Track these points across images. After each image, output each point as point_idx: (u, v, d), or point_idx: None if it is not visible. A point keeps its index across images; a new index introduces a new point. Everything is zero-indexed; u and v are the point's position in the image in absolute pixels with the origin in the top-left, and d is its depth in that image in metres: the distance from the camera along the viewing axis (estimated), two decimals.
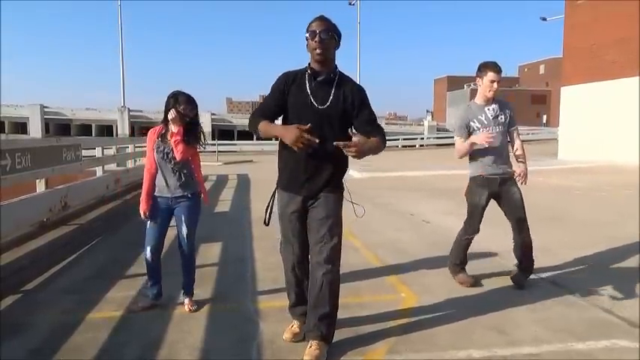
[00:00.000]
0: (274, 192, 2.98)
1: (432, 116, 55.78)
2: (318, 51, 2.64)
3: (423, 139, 37.74)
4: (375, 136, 2.75)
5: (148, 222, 3.58)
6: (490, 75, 3.77)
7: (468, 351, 2.85)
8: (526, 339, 3.02)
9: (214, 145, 26.35)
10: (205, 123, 39.29)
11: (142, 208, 3.54)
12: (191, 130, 3.52)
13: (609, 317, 3.35)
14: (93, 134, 39.80)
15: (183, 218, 3.57)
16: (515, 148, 3.98)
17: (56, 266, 4.76)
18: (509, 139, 3.96)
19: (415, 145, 35.92)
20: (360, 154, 2.60)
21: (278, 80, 2.81)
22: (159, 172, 3.54)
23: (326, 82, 2.72)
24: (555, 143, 21.24)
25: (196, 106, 3.54)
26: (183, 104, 3.42)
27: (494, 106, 3.86)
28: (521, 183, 3.86)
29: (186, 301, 3.61)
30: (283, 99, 2.77)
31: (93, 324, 3.33)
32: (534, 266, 4.00)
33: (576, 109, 19.20)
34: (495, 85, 3.78)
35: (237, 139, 36.54)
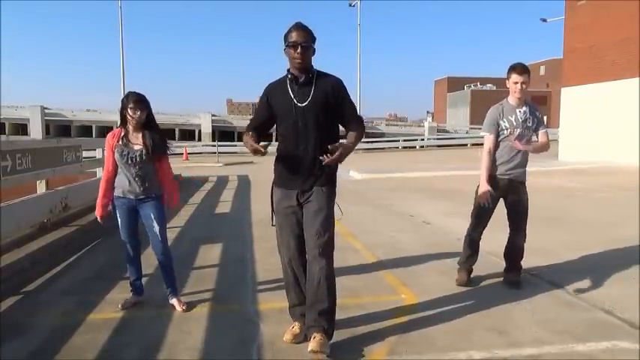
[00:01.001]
0: (272, 191, 3.06)
1: (433, 117, 55.78)
2: (298, 61, 2.81)
3: (423, 140, 37.69)
4: (353, 130, 2.94)
5: (119, 221, 3.61)
6: (513, 77, 3.78)
7: (469, 352, 2.85)
8: (526, 340, 3.01)
9: (215, 146, 26.35)
10: (206, 124, 39.36)
11: (98, 212, 3.58)
12: (155, 139, 3.52)
13: (610, 318, 3.35)
14: (93, 135, 39.71)
15: (152, 216, 3.56)
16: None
17: (56, 267, 4.77)
18: (536, 140, 3.94)
19: (415, 147, 35.87)
20: (344, 157, 2.77)
21: (263, 93, 3.02)
22: (121, 174, 3.51)
23: (306, 84, 2.88)
24: (556, 144, 21.21)
25: (147, 105, 3.52)
26: (132, 103, 3.43)
27: (524, 109, 3.86)
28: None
29: (175, 301, 3.62)
30: (268, 108, 2.98)
31: (93, 325, 3.33)
32: (532, 266, 4.00)
33: (577, 110, 19.19)
34: (519, 85, 3.77)
35: (238, 141, 36.49)
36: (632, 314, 3.38)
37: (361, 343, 2.95)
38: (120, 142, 3.49)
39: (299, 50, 2.78)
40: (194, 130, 40.39)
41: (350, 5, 36.58)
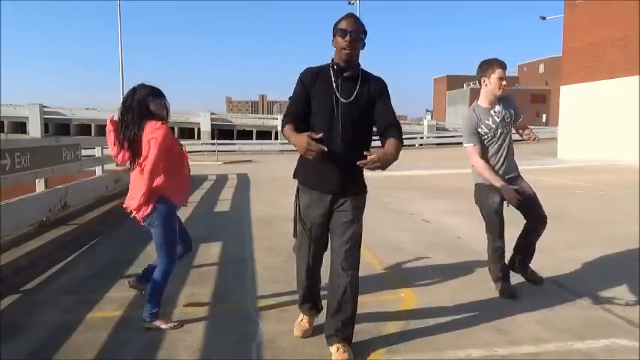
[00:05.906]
0: (297, 195, 2.86)
1: (432, 115, 55.79)
2: (347, 50, 2.61)
3: (422, 138, 37.70)
4: (392, 137, 2.61)
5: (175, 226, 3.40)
6: (498, 72, 3.55)
7: (468, 351, 2.85)
8: (526, 338, 3.02)
9: (214, 144, 26.31)
10: (205, 122, 39.29)
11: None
12: None
13: (609, 316, 3.35)
14: (92, 134, 39.63)
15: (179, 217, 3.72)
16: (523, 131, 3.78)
17: (55, 266, 4.76)
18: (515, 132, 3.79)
19: (415, 145, 35.87)
20: (385, 166, 2.48)
21: (302, 77, 2.73)
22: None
23: (351, 78, 2.68)
24: (555, 142, 21.23)
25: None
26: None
27: (498, 107, 3.66)
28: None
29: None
30: (308, 94, 2.69)
31: (92, 324, 3.32)
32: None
33: (576, 108, 19.23)
34: (504, 82, 3.58)
35: (237, 139, 36.52)
36: (631, 312, 3.39)
37: (361, 342, 2.95)
38: None
39: (347, 38, 2.57)
40: (193, 129, 40.34)
41: (349, 3, 36.51)
